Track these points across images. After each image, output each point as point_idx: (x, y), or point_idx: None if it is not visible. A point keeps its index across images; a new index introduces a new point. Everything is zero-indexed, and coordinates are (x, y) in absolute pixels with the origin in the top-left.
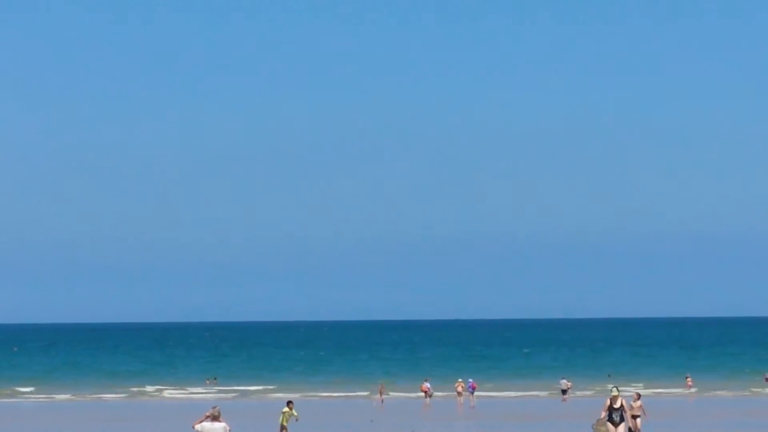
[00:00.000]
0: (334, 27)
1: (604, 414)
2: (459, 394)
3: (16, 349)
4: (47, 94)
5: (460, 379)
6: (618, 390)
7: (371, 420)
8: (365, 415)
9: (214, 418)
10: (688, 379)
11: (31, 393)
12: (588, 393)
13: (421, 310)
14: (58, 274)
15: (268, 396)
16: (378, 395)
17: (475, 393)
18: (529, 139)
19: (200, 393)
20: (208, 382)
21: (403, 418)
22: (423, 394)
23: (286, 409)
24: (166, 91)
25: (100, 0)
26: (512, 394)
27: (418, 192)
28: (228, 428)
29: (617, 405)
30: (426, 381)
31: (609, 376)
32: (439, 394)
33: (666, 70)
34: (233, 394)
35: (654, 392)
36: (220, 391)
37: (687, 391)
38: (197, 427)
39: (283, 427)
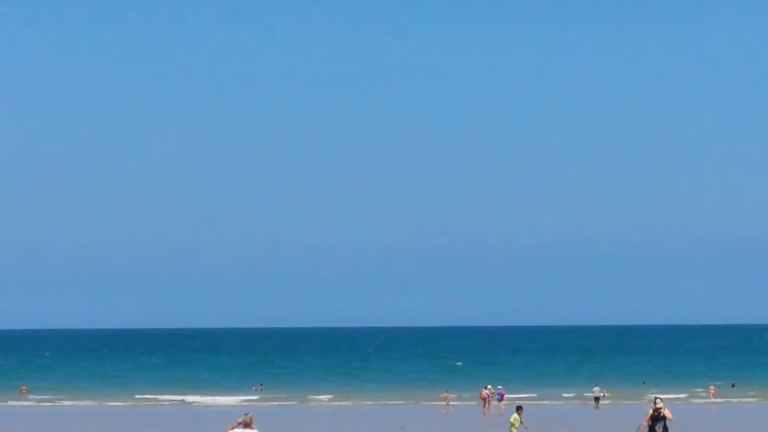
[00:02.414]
0: (336, 30)
1: (645, 423)
2: (486, 400)
3: (48, 353)
4: (47, 97)
5: (489, 386)
6: (662, 401)
7: (402, 427)
8: (399, 422)
9: (246, 424)
10: (712, 388)
11: (58, 399)
12: (622, 402)
13: (436, 318)
14: (85, 281)
15: (324, 404)
16: (445, 402)
17: (503, 401)
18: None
19: (245, 401)
20: (254, 388)
21: (436, 425)
22: (482, 401)
23: (515, 415)
24: (167, 95)
25: (102, 3)
26: (545, 402)
27: (436, 198)
28: None
29: (660, 416)
30: (485, 388)
31: (644, 383)
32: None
33: (675, 72)
34: (279, 402)
35: (678, 400)
36: (264, 399)
37: (709, 401)
38: None
39: None
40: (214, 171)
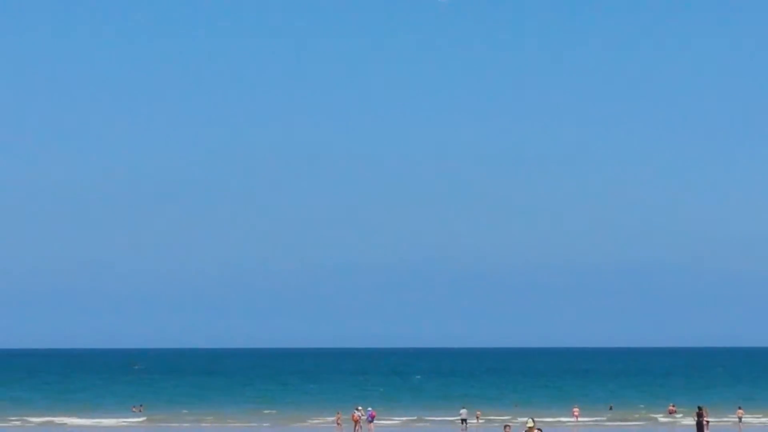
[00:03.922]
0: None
1: None
2: (356, 422)
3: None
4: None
5: (360, 407)
6: (534, 421)
7: None
8: None
9: None
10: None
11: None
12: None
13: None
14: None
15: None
16: (476, 419)
17: (374, 422)
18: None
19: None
20: (134, 409)
21: None
22: (354, 423)
23: None
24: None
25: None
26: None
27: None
28: None
29: None
30: (356, 409)
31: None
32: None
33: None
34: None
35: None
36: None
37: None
38: None
39: None
40: (210, 184)
